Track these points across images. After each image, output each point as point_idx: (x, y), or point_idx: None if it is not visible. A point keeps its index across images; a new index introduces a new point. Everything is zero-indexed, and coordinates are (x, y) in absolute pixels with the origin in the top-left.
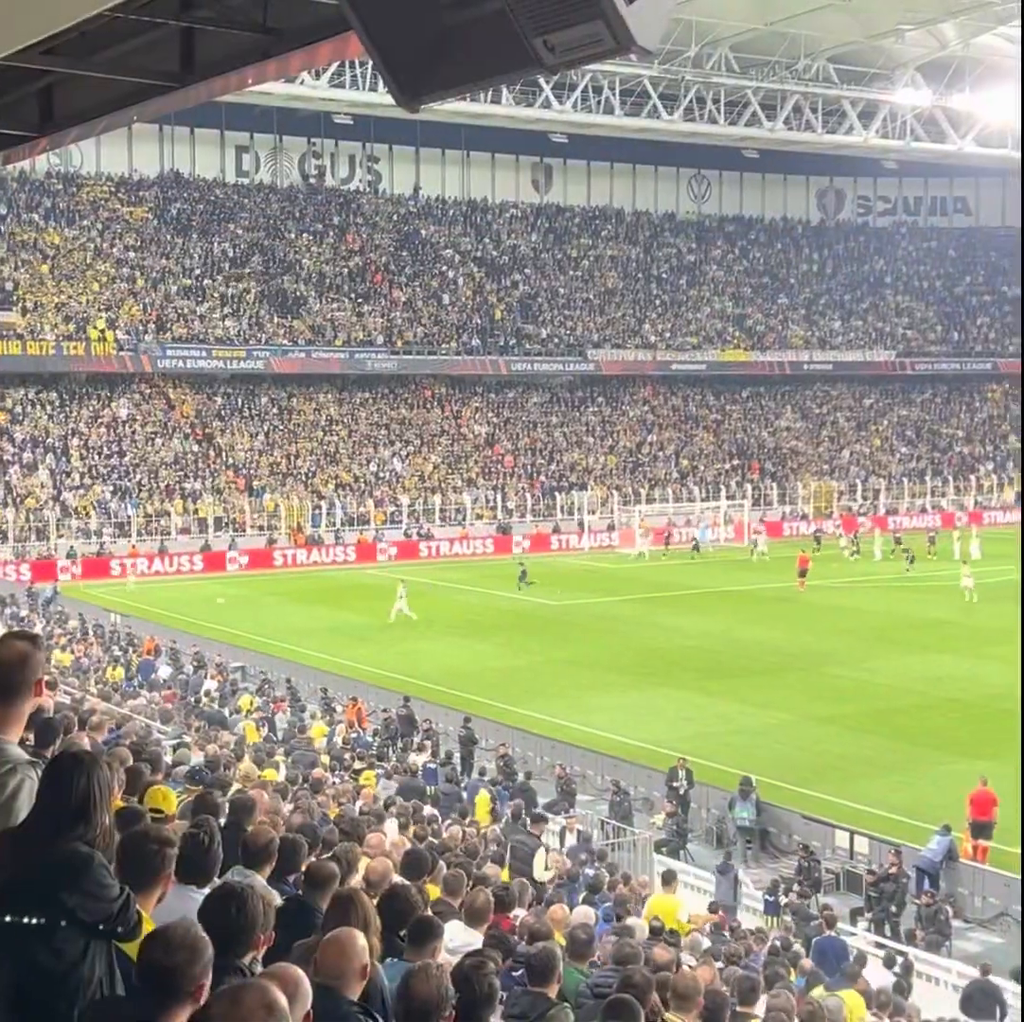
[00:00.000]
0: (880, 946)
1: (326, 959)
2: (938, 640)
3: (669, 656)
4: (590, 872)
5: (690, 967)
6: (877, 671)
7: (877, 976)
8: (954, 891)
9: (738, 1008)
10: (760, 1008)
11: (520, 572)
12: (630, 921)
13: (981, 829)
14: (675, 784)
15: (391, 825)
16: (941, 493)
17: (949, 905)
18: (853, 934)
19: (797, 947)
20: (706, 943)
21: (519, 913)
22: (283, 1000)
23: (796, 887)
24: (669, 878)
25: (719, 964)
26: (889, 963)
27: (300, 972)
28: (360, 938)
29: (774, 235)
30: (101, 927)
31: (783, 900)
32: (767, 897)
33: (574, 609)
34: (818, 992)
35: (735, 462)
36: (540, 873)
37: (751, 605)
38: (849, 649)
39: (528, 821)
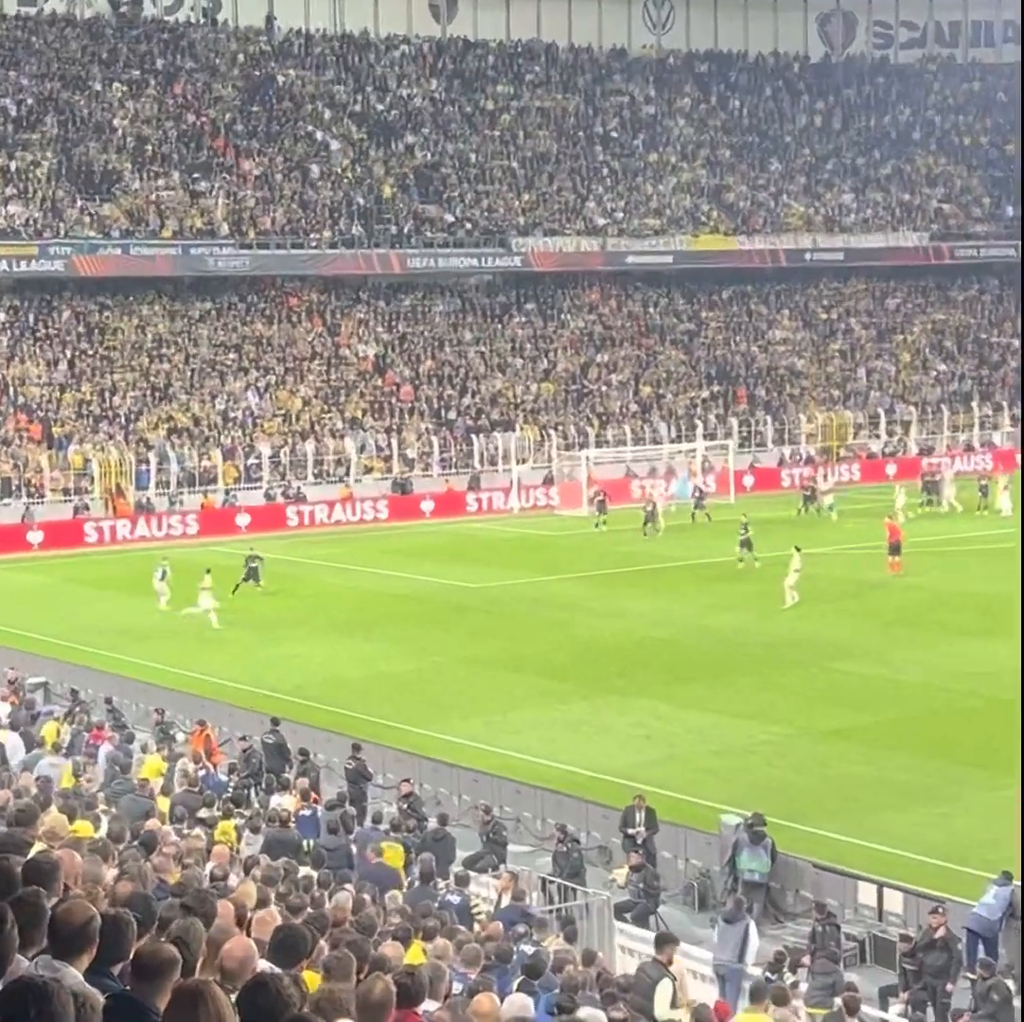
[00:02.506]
0: None
1: None
2: (986, 624)
3: (625, 653)
4: (528, 949)
5: None
6: (902, 666)
7: None
8: (1016, 960)
9: None
10: None
11: (247, 569)
12: (582, 1014)
13: None
14: (631, 830)
15: (254, 891)
16: (992, 424)
17: (1011, 979)
18: (884, 1021)
19: None
20: None
21: (429, 1008)
22: None
23: (808, 960)
24: (760, 994)
25: None
26: None
27: None
28: None
29: (762, 77)
30: None
31: (790, 978)
32: (769, 975)
33: (497, 593)
34: None
35: (714, 388)
36: (663, 1011)
37: (735, 583)
38: (865, 637)
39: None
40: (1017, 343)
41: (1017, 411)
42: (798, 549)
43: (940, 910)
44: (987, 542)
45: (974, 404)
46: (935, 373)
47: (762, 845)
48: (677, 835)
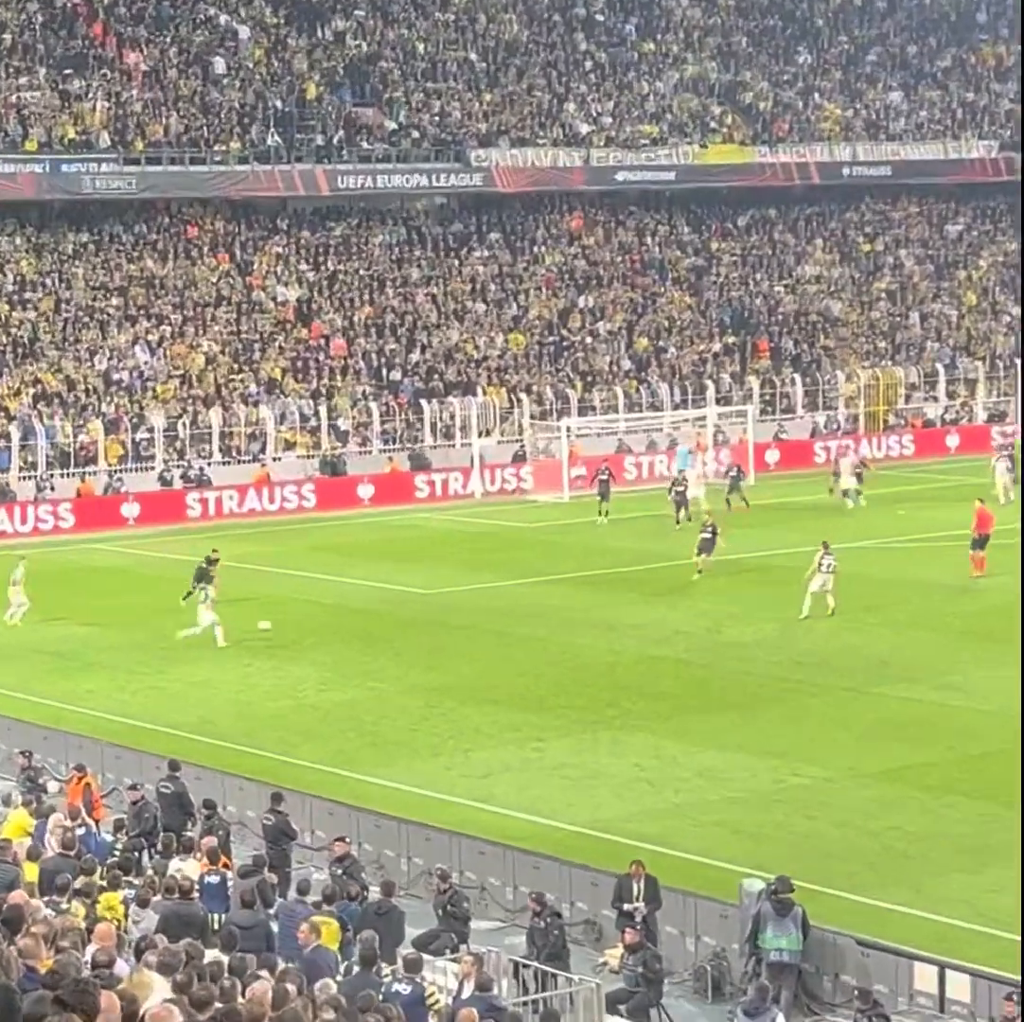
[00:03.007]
0: None
1: None
2: None
3: (619, 676)
4: None
5: None
6: (970, 690)
7: None
8: None
9: None
10: None
11: (199, 570)
12: None
13: None
14: (627, 906)
15: (155, 982)
16: None
17: None
18: None
19: None
20: None
21: None
22: None
23: None
24: None
25: None
26: None
27: None
28: None
29: None
30: None
31: None
32: None
33: (455, 601)
34: None
35: (729, 340)
36: None
37: (759, 586)
38: (924, 654)
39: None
40: None
41: None
42: (825, 545)
43: (1015, 998)
44: None
45: None
46: (1007, 319)
47: (790, 917)
48: (685, 906)
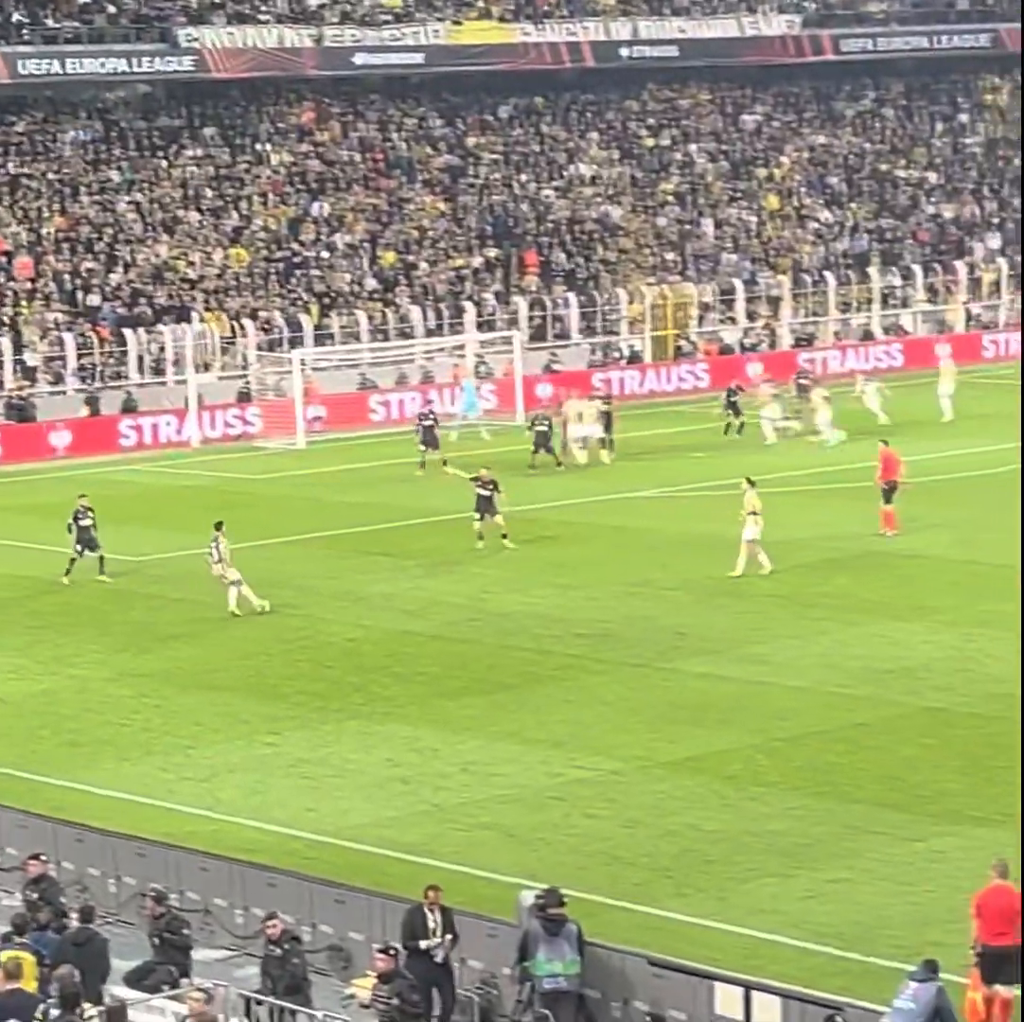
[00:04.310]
0: None
1: None
2: (896, 594)
3: (366, 656)
4: None
5: None
6: (777, 664)
7: None
8: None
9: None
10: None
11: (78, 529)
12: None
13: (1000, 961)
14: (424, 943)
15: None
16: (898, 300)
17: None
18: None
19: None
20: None
21: None
22: None
23: None
24: None
25: None
26: None
27: None
28: None
29: None
30: None
31: None
32: None
33: (169, 569)
34: None
35: (491, 253)
36: None
37: (530, 546)
38: (723, 622)
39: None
40: (933, 178)
41: (935, 281)
42: (751, 483)
43: (837, 1020)
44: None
45: (873, 270)
46: (815, 225)
47: (563, 936)
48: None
